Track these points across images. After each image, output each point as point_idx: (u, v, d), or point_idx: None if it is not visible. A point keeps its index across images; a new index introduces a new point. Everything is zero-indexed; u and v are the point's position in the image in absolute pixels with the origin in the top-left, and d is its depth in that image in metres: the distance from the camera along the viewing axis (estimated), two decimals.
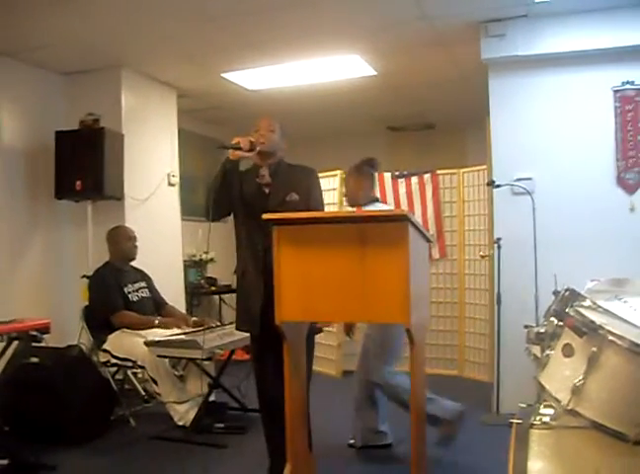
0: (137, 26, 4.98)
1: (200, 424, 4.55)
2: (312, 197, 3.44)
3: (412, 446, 2.66)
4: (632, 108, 4.77)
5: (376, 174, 4.51)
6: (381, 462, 4.03)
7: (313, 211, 3.30)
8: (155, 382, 4.67)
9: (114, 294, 4.99)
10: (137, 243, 5.28)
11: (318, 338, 6.46)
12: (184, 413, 4.63)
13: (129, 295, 5.08)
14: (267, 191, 3.43)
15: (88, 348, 5.00)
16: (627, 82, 4.78)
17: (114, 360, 4.84)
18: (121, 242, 5.23)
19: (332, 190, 6.60)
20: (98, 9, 4.61)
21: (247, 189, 3.44)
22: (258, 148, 3.37)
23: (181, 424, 4.60)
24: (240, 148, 3.31)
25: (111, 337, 4.90)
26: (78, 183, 5.48)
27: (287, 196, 3.37)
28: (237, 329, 3.61)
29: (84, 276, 5.31)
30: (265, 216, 2.77)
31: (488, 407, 5.02)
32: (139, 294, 5.16)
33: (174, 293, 6.11)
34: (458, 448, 4.17)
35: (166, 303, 5.40)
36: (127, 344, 4.78)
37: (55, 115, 5.97)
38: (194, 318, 5.36)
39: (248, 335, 3.58)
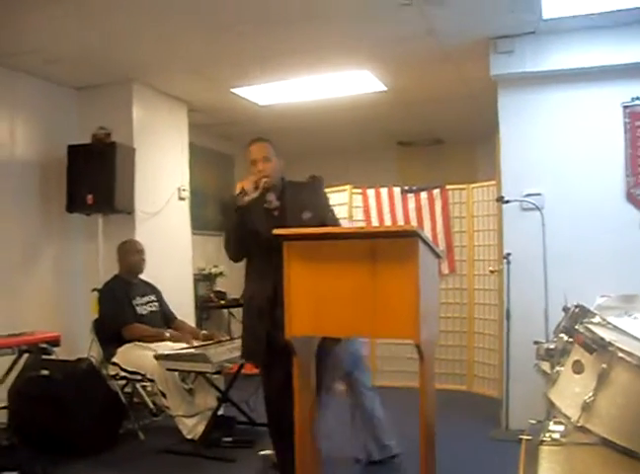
0: (149, 40, 5.02)
1: (208, 437, 4.55)
2: (327, 214, 3.43)
3: (421, 463, 2.66)
4: None
5: None
6: None
7: (330, 226, 3.28)
8: (164, 396, 4.67)
9: (124, 307, 5.02)
10: (146, 256, 5.30)
11: None
12: (192, 427, 4.63)
13: (138, 308, 5.10)
14: (276, 214, 3.41)
15: (98, 361, 5.02)
16: (637, 98, 4.78)
17: (123, 374, 4.85)
18: (129, 255, 5.26)
19: (341, 204, 6.61)
20: (110, 24, 4.65)
21: (256, 219, 3.34)
22: (263, 184, 3.30)
23: (189, 437, 4.60)
24: (246, 194, 3.26)
25: (120, 350, 4.91)
26: (89, 196, 5.52)
27: (302, 214, 3.34)
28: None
29: (94, 290, 5.34)
30: (275, 232, 2.78)
31: (497, 423, 5.00)
32: (148, 308, 5.18)
33: (184, 307, 6.13)
34: (467, 464, 4.16)
35: (175, 317, 5.41)
36: (137, 357, 4.79)
37: (68, 129, 6.02)
38: (203, 331, 5.37)
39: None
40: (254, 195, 3.27)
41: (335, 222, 3.51)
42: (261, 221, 3.35)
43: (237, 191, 3.26)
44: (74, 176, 5.63)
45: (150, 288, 5.34)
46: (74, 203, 5.65)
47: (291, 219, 3.33)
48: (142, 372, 4.74)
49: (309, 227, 3.24)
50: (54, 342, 4.58)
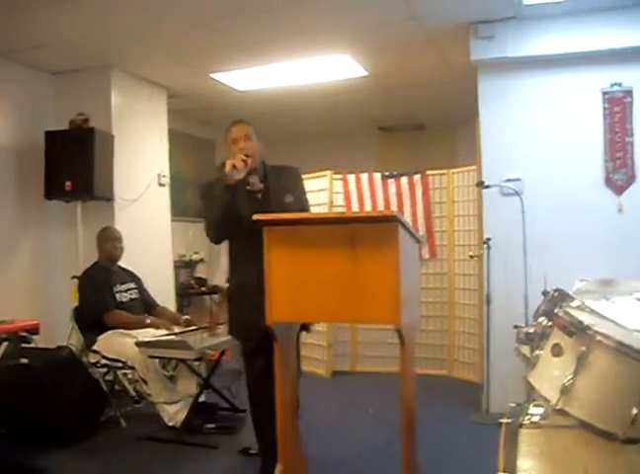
0: (127, 26, 4.96)
1: (190, 424, 4.55)
2: (303, 196, 3.49)
3: (403, 448, 2.68)
4: (620, 109, 4.80)
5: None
6: (374, 464, 4.04)
7: (305, 211, 3.30)
8: (145, 383, 4.66)
9: (104, 294, 4.99)
10: (126, 244, 5.27)
11: (308, 337, 6.49)
12: (174, 414, 4.62)
13: (118, 296, 5.07)
14: (259, 196, 3.41)
15: (78, 349, 5.00)
16: (615, 84, 4.81)
17: (104, 361, 4.83)
18: (105, 242, 5.23)
19: (322, 190, 6.60)
20: (88, 9, 4.59)
21: (238, 201, 3.33)
22: (249, 164, 3.32)
23: (171, 424, 4.60)
24: (238, 171, 3.26)
25: (101, 337, 4.89)
26: (68, 183, 5.46)
27: (285, 197, 3.37)
28: (230, 334, 3.62)
29: (74, 277, 5.30)
30: (255, 217, 2.77)
31: (477, 406, 5.05)
32: (128, 295, 5.16)
33: (164, 294, 6.11)
34: (448, 448, 4.20)
35: (157, 304, 5.40)
36: (117, 344, 4.77)
37: (45, 114, 5.95)
38: (185, 317, 5.35)
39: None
40: (242, 174, 3.28)
41: (308, 209, 3.55)
42: (244, 204, 3.34)
43: (227, 168, 3.23)
44: (52, 162, 5.57)
45: (130, 276, 5.32)
46: (52, 190, 5.59)
47: (275, 202, 3.35)
48: (123, 360, 4.72)
49: (291, 211, 3.28)
50: (34, 330, 4.54)
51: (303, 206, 3.45)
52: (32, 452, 4.04)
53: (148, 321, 4.98)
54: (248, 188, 3.41)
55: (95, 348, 4.88)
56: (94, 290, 4.99)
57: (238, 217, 3.29)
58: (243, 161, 3.27)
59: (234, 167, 3.23)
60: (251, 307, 3.23)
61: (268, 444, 3.27)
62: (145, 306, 5.29)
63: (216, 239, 3.45)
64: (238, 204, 3.32)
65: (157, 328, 4.91)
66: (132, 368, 4.72)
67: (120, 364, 4.77)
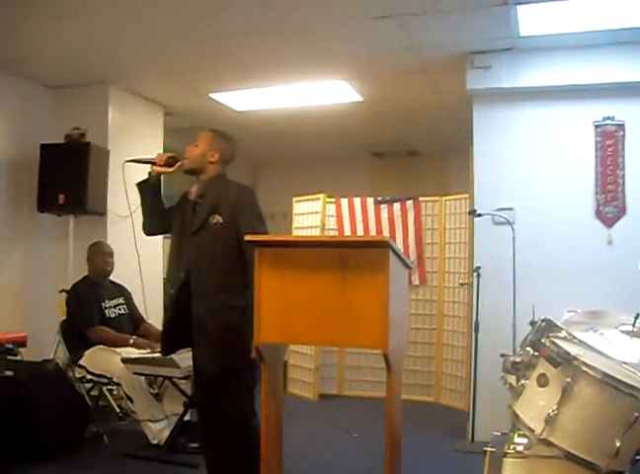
0: (126, 43, 5.00)
1: (174, 443, 4.52)
2: (242, 218, 3.25)
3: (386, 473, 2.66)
4: (612, 142, 4.85)
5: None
6: None
7: (243, 239, 3.00)
8: (130, 400, 4.64)
9: (90, 309, 4.95)
10: (117, 259, 5.26)
11: (296, 360, 6.47)
12: (158, 431, 4.59)
13: (106, 311, 5.05)
14: (196, 208, 3.38)
15: (64, 363, 4.96)
16: (608, 117, 4.86)
17: (89, 377, 4.80)
18: (96, 257, 5.20)
19: (314, 213, 6.62)
20: (87, 24, 4.61)
21: (184, 207, 3.44)
22: (177, 164, 3.45)
23: (155, 442, 4.56)
24: (154, 163, 3.43)
25: (87, 352, 4.86)
26: (61, 197, 5.46)
27: (210, 217, 3.28)
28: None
29: (62, 291, 5.28)
30: (246, 238, 2.78)
31: (463, 434, 5.03)
32: (117, 311, 5.13)
33: (155, 309, 6.06)
34: None
35: (144, 320, 5.37)
36: (104, 360, 4.75)
37: (41, 127, 5.96)
38: None
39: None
40: (165, 170, 3.47)
41: (252, 229, 3.19)
42: (184, 212, 3.41)
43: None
44: (46, 175, 5.57)
45: (119, 290, 5.29)
46: (45, 203, 5.58)
47: (199, 220, 3.31)
48: (109, 376, 4.69)
49: (213, 232, 3.26)
50: (21, 342, 4.53)
51: (239, 234, 3.15)
52: (13, 466, 4.00)
53: (131, 341, 4.92)
54: (189, 197, 3.45)
55: (81, 362, 4.85)
56: (80, 305, 4.96)
57: (168, 217, 3.46)
58: (167, 158, 3.47)
59: (152, 161, 3.48)
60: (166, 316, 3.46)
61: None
62: (133, 321, 5.26)
63: (145, 230, 3.64)
64: (184, 210, 3.43)
65: (140, 348, 4.86)
66: (118, 385, 4.69)
67: (105, 380, 4.75)
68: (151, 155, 3.57)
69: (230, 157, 3.52)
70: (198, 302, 3.29)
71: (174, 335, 3.40)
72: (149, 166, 3.59)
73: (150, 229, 3.62)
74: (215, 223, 3.26)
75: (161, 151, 3.48)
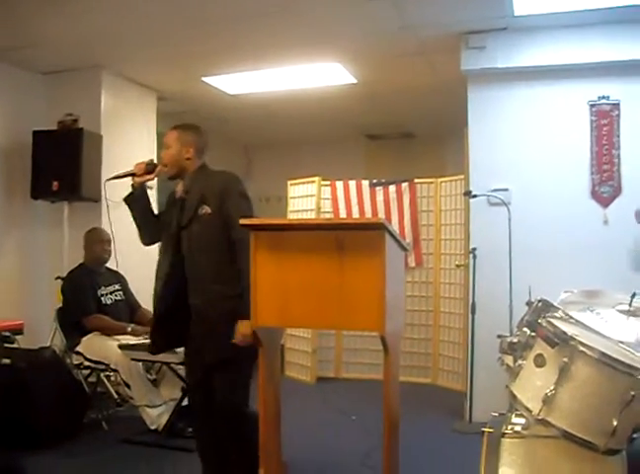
0: (119, 28, 4.96)
1: (172, 428, 4.53)
2: (230, 204, 3.21)
3: (385, 455, 2.67)
4: (607, 122, 4.84)
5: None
6: (355, 471, 4.03)
7: (233, 221, 3.08)
8: (128, 386, 4.64)
9: (86, 297, 4.94)
10: (113, 245, 5.23)
11: (293, 343, 6.48)
12: (156, 417, 4.60)
13: (103, 298, 5.04)
14: (182, 204, 3.35)
15: (61, 350, 4.96)
16: (603, 97, 4.85)
17: (87, 363, 4.80)
18: (94, 244, 5.18)
19: (310, 196, 6.61)
20: (79, 10, 4.58)
21: (174, 206, 3.40)
22: (157, 169, 3.41)
23: (153, 428, 4.57)
24: (134, 174, 3.40)
25: (84, 339, 4.86)
26: (55, 183, 5.44)
27: (199, 208, 3.24)
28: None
29: (58, 278, 5.27)
30: (242, 222, 2.77)
31: (461, 415, 5.05)
32: (113, 297, 5.12)
33: (151, 296, 6.07)
34: (431, 456, 4.20)
35: (139, 306, 5.35)
36: (101, 347, 4.75)
37: (33, 114, 5.92)
38: None
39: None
40: (147, 177, 3.43)
41: (240, 212, 3.14)
42: (174, 210, 3.38)
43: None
44: (39, 162, 5.56)
45: (115, 277, 5.28)
46: (39, 190, 5.57)
47: (189, 213, 3.28)
48: (106, 362, 4.69)
49: (204, 222, 3.21)
50: (17, 330, 4.53)
51: (228, 218, 3.16)
52: (12, 452, 4.00)
53: (129, 329, 4.91)
54: (176, 196, 3.41)
55: (78, 349, 4.85)
56: (76, 293, 4.95)
57: (167, 222, 3.39)
58: (145, 165, 3.42)
59: (132, 172, 3.42)
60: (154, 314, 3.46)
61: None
62: (129, 308, 5.26)
63: (143, 241, 3.60)
64: (169, 210, 3.42)
65: (137, 335, 4.86)
66: (115, 371, 4.70)
67: (102, 367, 4.75)
68: (128, 168, 3.49)
69: (203, 146, 3.46)
70: (194, 293, 3.29)
71: (163, 332, 3.38)
72: (131, 178, 3.52)
73: (148, 240, 3.57)
74: (204, 214, 3.22)
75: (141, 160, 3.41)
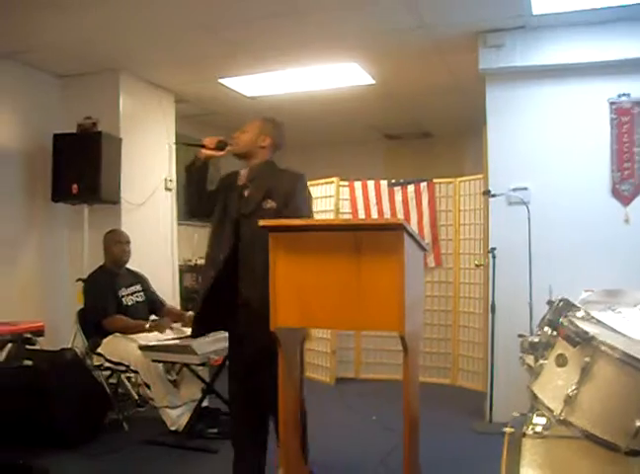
0: (136, 30, 4.99)
1: (192, 429, 4.55)
2: (291, 204, 3.28)
3: (405, 456, 2.67)
4: (628, 120, 4.80)
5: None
6: (376, 471, 4.03)
7: (291, 219, 3.13)
8: (148, 387, 4.66)
9: (106, 298, 4.97)
10: (132, 247, 5.26)
11: (312, 344, 6.48)
12: (176, 418, 4.62)
13: (123, 299, 5.06)
14: (245, 194, 3.37)
15: (82, 351, 4.99)
16: (623, 94, 4.80)
17: (107, 364, 4.83)
18: (113, 246, 5.21)
19: (328, 197, 6.61)
20: (96, 13, 4.61)
21: (230, 193, 3.41)
22: (227, 148, 3.41)
23: (173, 429, 4.59)
24: (204, 146, 3.39)
25: (105, 340, 4.89)
26: (75, 186, 5.49)
27: (263, 202, 3.28)
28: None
29: (79, 280, 5.31)
30: (260, 223, 2.77)
31: (481, 415, 5.03)
32: (134, 298, 5.15)
33: (169, 298, 6.12)
34: (451, 456, 4.18)
35: (164, 304, 5.39)
36: (121, 348, 4.77)
37: (53, 117, 5.97)
38: (189, 313, 5.32)
39: None
40: (215, 153, 3.41)
41: (299, 212, 3.28)
42: (232, 197, 3.39)
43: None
44: (59, 165, 5.60)
45: (136, 278, 5.30)
46: (59, 193, 5.62)
47: (252, 204, 3.30)
48: (126, 363, 4.71)
49: (266, 216, 3.15)
50: (38, 332, 4.56)
51: (293, 216, 3.21)
52: (33, 454, 4.04)
53: (147, 326, 4.95)
54: (238, 183, 3.43)
55: (99, 350, 4.88)
56: (96, 295, 4.98)
57: (222, 199, 3.39)
58: (218, 141, 3.41)
59: (202, 144, 3.41)
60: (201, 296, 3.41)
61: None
62: (152, 307, 5.30)
63: (190, 211, 3.64)
64: (228, 196, 3.41)
65: (155, 329, 4.89)
66: (136, 372, 4.72)
67: (123, 368, 4.77)
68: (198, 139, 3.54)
69: (281, 142, 3.56)
70: (246, 283, 3.28)
71: (208, 317, 3.39)
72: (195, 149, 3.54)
73: (196, 212, 3.63)
74: (269, 208, 3.26)
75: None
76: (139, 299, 5.19)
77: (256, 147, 3.44)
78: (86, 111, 5.91)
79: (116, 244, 5.21)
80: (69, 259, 6.01)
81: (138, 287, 5.24)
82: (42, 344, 4.63)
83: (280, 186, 3.32)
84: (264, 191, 3.31)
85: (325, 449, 4.20)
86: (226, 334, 3.59)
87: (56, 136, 5.67)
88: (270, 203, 3.27)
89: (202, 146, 3.41)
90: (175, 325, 5.08)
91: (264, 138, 3.45)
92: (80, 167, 5.49)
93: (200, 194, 3.48)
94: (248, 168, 3.45)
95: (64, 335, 5.26)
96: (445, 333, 6.50)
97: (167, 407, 4.63)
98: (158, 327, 4.96)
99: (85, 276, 5.21)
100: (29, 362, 4.47)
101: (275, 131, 3.51)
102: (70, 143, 5.63)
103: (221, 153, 3.43)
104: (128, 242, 5.25)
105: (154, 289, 5.40)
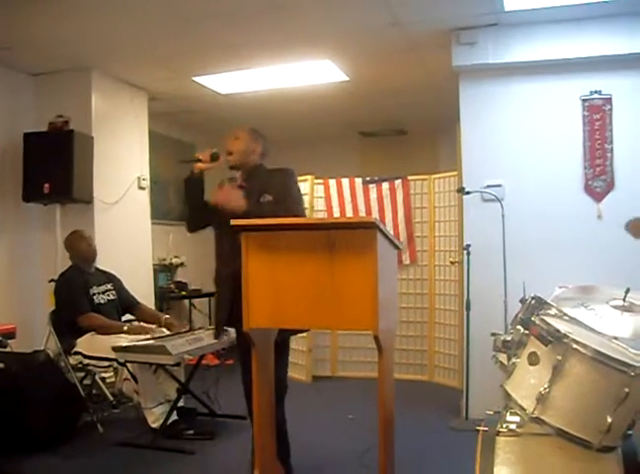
0: (108, 27, 4.94)
1: (169, 429, 4.52)
2: (288, 196, 3.46)
3: (380, 453, 2.66)
4: (600, 117, 4.83)
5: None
6: (351, 470, 4.03)
7: (290, 211, 3.29)
8: (135, 380, 4.64)
9: (80, 296, 4.94)
10: (105, 246, 5.23)
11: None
12: (160, 415, 4.59)
13: (95, 297, 5.03)
14: (244, 191, 3.44)
15: (55, 353, 4.93)
16: (595, 91, 4.84)
17: (87, 361, 4.78)
18: (79, 243, 5.19)
19: (303, 194, 6.57)
20: (68, 10, 4.55)
21: None
22: (229, 160, 3.52)
23: (154, 426, 4.55)
24: (200, 160, 3.47)
25: (81, 339, 4.85)
26: (46, 185, 5.42)
27: (261, 197, 3.41)
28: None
29: (52, 281, 5.25)
30: (233, 222, 2.75)
31: (457, 412, 5.05)
32: (105, 297, 5.12)
33: (144, 297, 6.04)
34: (427, 454, 4.19)
35: (137, 303, 5.36)
36: (104, 343, 4.70)
37: (24, 116, 5.90)
38: (166, 316, 5.29)
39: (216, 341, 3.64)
40: (210, 165, 3.48)
41: (295, 213, 3.43)
42: None
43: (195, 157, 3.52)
44: (30, 164, 5.54)
45: (107, 277, 5.27)
46: (31, 193, 5.55)
47: (251, 202, 3.37)
48: (112, 357, 4.64)
49: (265, 209, 3.30)
50: (10, 334, 4.50)
51: (288, 207, 3.38)
52: (7, 457, 3.99)
53: (125, 328, 4.91)
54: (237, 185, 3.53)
55: (77, 349, 4.83)
56: (70, 292, 4.94)
57: (215, 210, 3.43)
58: (211, 154, 3.48)
59: (198, 158, 3.48)
60: (220, 303, 3.50)
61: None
62: (126, 306, 5.27)
63: (189, 227, 3.69)
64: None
65: (134, 334, 4.85)
66: (123, 365, 4.68)
67: (106, 363, 4.74)
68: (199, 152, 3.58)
69: (266, 150, 3.69)
70: None
71: (230, 321, 3.44)
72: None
73: (195, 225, 3.68)
74: (267, 202, 3.40)
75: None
76: (110, 298, 5.16)
77: (250, 152, 3.57)
78: (58, 109, 5.83)
79: (81, 240, 5.18)
80: (42, 260, 5.93)
81: (109, 286, 5.21)
82: (14, 346, 4.56)
83: (273, 182, 3.49)
84: (259, 188, 3.45)
85: (301, 448, 4.19)
86: (201, 333, 3.58)
87: (27, 135, 5.60)
88: (267, 197, 3.42)
89: (199, 160, 3.48)
90: (150, 326, 5.04)
91: (255, 147, 3.60)
92: (52, 166, 5.43)
93: (197, 206, 3.57)
94: (240, 172, 3.58)
95: (37, 337, 5.19)
96: (422, 330, 6.52)
97: (152, 404, 4.60)
98: (137, 330, 4.92)
99: (57, 277, 5.15)
100: (0, 365, 4.40)
101: (262, 140, 3.66)
102: (41, 142, 5.57)
103: (215, 164, 3.52)
104: (91, 238, 5.25)
105: (127, 289, 5.36)
